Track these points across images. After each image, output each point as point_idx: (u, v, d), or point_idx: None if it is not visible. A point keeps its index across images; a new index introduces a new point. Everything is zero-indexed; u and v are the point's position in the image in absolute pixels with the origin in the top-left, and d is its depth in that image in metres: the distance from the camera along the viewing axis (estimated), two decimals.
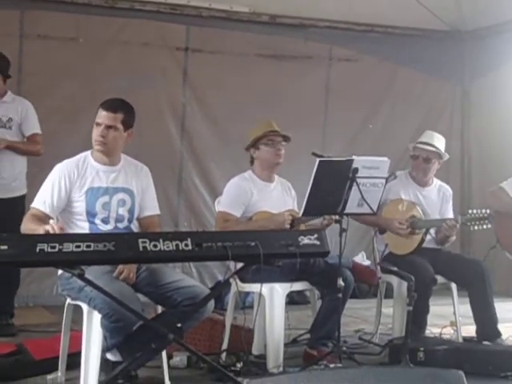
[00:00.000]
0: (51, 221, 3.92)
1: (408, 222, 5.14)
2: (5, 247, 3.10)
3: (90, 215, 4.05)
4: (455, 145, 8.13)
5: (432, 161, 5.32)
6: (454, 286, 5.22)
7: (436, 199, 5.42)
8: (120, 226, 4.10)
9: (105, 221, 4.06)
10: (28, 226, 3.88)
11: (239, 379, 3.78)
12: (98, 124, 4.08)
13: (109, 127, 4.07)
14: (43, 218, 3.93)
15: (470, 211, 5.06)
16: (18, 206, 5.38)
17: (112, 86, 6.63)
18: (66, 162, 4.14)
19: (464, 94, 8.40)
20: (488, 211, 4.98)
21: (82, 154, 4.18)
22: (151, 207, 4.26)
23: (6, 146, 5.24)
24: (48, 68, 6.56)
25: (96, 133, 4.09)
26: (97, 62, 6.85)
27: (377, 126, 7.98)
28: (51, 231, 3.59)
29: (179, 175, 7.39)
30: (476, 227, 5.02)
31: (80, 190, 4.06)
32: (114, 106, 4.12)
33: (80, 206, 4.05)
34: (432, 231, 5.26)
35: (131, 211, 4.16)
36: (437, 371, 2.31)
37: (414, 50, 7.90)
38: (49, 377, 4.14)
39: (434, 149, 5.29)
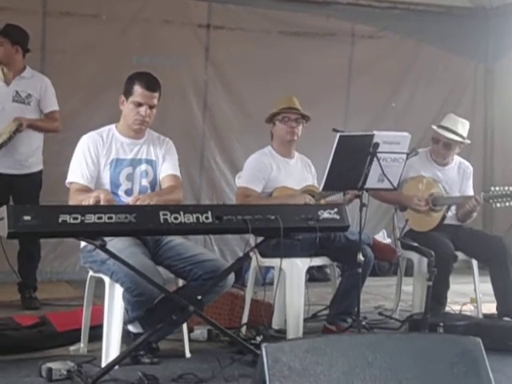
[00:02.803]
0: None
1: (429, 199, 5.15)
2: (28, 218, 3.14)
3: (114, 186, 4.09)
4: (478, 123, 8.09)
5: (452, 147, 5.30)
6: (474, 262, 5.21)
7: (456, 177, 5.40)
8: None
9: (128, 192, 4.10)
10: (78, 199, 3.84)
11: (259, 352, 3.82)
12: (140, 104, 4.07)
13: (151, 107, 4.10)
14: (86, 191, 3.96)
15: (492, 188, 5.04)
16: (35, 182, 5.45)
17: (134, 63, 6.68)
18: (90, 133, 4.18)
19: (487, 72, 8.33)
20: (511, 189, 4.96)
21: (106, 127, 4.22)
22: (170, 168, 4.25)
23: (28, 124, 5.27)
24: (71, 45, 6.60)
25: (136, 112, 4.08)
26: (119, 39, 6.87)
27: (399, 104, 7.95)
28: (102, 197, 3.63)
29: (201, 153, 7.41)
30: (499, 204, 4.99)
31: (106, 160, 4.10)
32: (153, 84, 4.12)
33: (105, 177, 4.10)
34: (453, 208, 5.26)
35: (153, 182, 4.20)
36: (454, 338, 2.32)
37: (437, 27, 7.83)
38: (71, 348, 4.20)
39: (456, 138, 5.24)
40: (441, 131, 5.27)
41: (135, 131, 4.18)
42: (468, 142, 5.34)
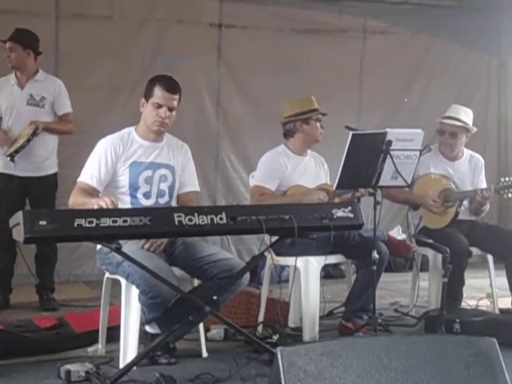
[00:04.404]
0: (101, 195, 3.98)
1: (441, 197, 5.13)
2: (44, 223, 3.17)
3: (133, 188, 4.12)
4: (492, 117, 8.10)
5: (458, 136, 5.27)
6: (490, 257, 5.20)
7: (467, 171, 5.37)
8: (161, 201, 4.17)
9: (147, 195, 4.13)
10: (78, 200, 3.94)
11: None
12: (160, 105, 4.10)
13: (170, 109, 4.13)
14: (91, 192, 4.01)
15: (502, 179, 5.03)
16: (50, 184, 5.51)
17: (148, 64, 6.72)
18: (110, 136, 4.20)
19: (501, 66, 8.29)
20: None
21: (126, 130, 4.24)
22: (190, 184, 4.33)
23: (43, 127, 5.31)
24: (84, 47, 6.59)
25: (156, 113, 4.11)
26: (132, 40, 6.89)
27: (412, 99, 7.91)
28: (104, 206, 3.64)
29: (216, 153, 7.42)
30: (510, 195, 4.98)
31: (125, 164, 4.13)
32: (174, 86, 4.15)
33: (123, 179, 4.12)
34: (465, 202, 5.24)
35: (172, 187, 4.23)
36: (469, 339, 2.32)
37: (449, 21, 7.77)
38: (89, 349, 4.24)
39: (459, 123, 5.23)
40: (445, 121, 5.27)
41: (155, 133, 4.19)
42: (474, 129, 5.31)
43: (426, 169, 5.24)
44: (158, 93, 4.11)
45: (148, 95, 4.14)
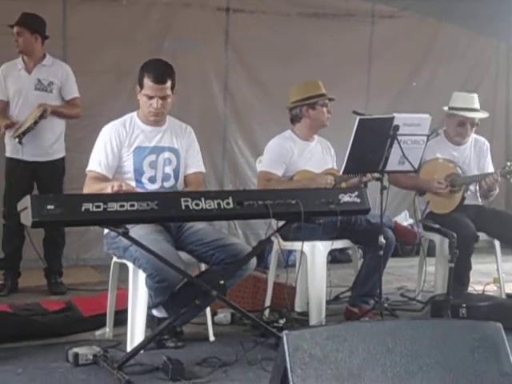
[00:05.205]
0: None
1: (447, 181, 5.13)
2: (51, 207, 3.19)
3: (138, 173, 4.12)
4: (500, 101, 8.06)
5: (475, 123, 5.28)
6: (497, 243, 5.19)
7: (473, 155, 5.37)
8: (166, 185, 4.17)
9: (152, 180, 4.14)
10: (93, 188, 3.96)
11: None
12: (151, 97, 4.08)
13: (162, 98, 4.10)
14: (102, 179, 4.03)
15: (508, 163, 5.01)
16: (58, 169, 5.53)
17: (155, 48, 6.70)
18: (112, 123, 4.21)
19: (510, 50, 8.25)
20: None
21: (128, 115, 4.24)
22: (195, 164, 4.32)
23: (51, 111, 5.31)
24: (92, 32, 6.56)
25: (149, 104, 4.09)
26: (139, 24, 6.87)
27: (421, 83, 7.87)
28: (116, 188, 3.70)
29: (223, 137, 7.42)
30: None
31: (128, 149, 4.14)
32: (162, 75, 4.09)
33: (128, 164, 4.13)
34: (472, 187, 5.23)
35: (177, 170, 4.23)
36: (474, 323, 2.33)
37: (458, 5, 7.69)
38: (97, 332, 4.26)
39: (481, 115, 5.24)
40: (465, 113, 5.22)
41: (153, 121, 4.20)
42: (486, 114, 5.31)
43: (432, 154, 5.22)
44: (148, 84, 4.07)
45: (140, 85, 4.13)
